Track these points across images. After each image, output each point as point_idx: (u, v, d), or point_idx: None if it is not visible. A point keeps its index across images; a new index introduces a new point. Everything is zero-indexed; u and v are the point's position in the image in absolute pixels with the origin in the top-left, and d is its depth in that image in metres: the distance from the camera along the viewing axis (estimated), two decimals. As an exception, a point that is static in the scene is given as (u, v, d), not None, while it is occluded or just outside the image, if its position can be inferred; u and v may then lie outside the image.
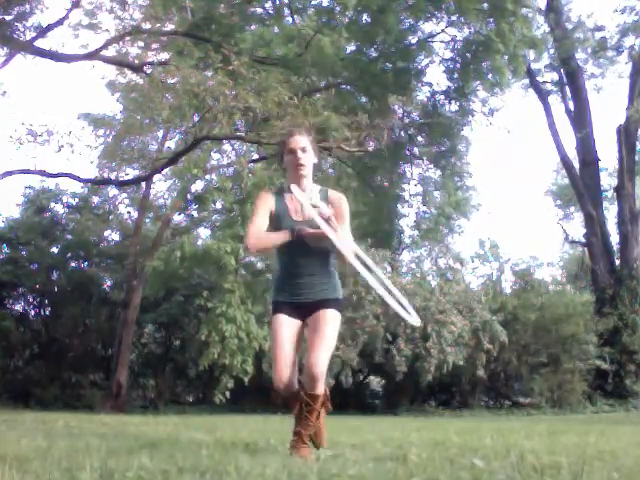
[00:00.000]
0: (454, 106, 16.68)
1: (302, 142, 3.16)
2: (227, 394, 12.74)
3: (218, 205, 15.18)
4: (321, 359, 2.95)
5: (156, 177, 16.01)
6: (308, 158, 3.17)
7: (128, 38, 12.48)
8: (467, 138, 18.05)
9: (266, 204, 3.17)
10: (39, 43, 11.89)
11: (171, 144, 16.71)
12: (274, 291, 3.28)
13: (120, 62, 13.03)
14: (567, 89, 20.11)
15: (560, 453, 2.90)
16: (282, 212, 3.16)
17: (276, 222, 3.15)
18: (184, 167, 13.19)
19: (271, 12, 15.41)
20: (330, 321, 3.07)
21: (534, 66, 19.77)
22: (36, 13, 11.44)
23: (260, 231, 3.08)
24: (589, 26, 19.69)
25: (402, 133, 16.94)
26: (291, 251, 3.12)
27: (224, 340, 12.31)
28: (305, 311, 3.14)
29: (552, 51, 19.09)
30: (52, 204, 18.43)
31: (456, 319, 14.14)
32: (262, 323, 13.14)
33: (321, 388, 3.00)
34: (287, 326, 3.11)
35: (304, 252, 3.09)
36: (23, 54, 11.82)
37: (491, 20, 14.56)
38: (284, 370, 3.02)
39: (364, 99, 15.76)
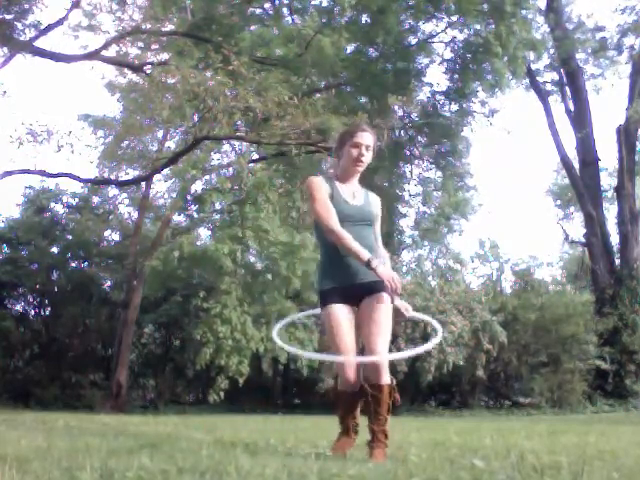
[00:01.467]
0: (454, 106, 16.68)
1: (369, 140, 3.11)
2: (222, 394, 12.78)
3: (218, 206, 15.18)
4: (382, 346, 2.89)
5: (156, 177, 16.01)
6: (368, 157, 3.13)
7: (128, 38, 12.48)
8: (467, 139, 18.04)
9: (323, 187, 3.07)
10: (39, 43, 11.91)
11: (171, 144, 16.72)
12: (322, 278, 3.10)
13: (120, 62, 13.02)
14: (567, 89, 20.11)
15: (560, 453, 2.90)
16: (336, 196, 3.08)
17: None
18: (184, 167, 13.19)
19: (270, 12, 15.42)
20: (383, 306, 2.97)
21: (534, 66, 19.78)
22: (34, 12, 11.42)
23: (335, 219, 2.95)
24: (589, 26, 19.71)
25: (402, 133, 16.94)
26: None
27: (219, 341, 12.34)
28: (357, 295, 3.02)
29: (552, 51, 19.09)
30: (52, 204, 18.43)
31: (456, 319, 14.16)
32: (259, 324, 13.15)
33: (387, 378, 2.92)
34: (344, 316, 2.99)
35: (354, 232, 2.97)
36: (23, 54, 11.81)
37: (491, 21, 14.56)
38: (352, 366, 2.97)
39: (364, 99, 15.76)
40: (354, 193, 3.14)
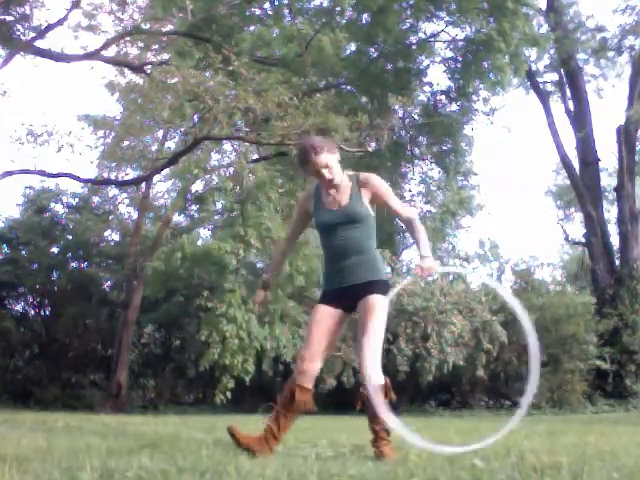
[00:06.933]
0: (454, 106, 16.66)
1: (323, 160, 3.17)
2: (228, 394, 12.73)
3: (218, 205, 15.19)
4: (368, 356, 3.05)
5: (156, 177, 16.00)
6: (330, 173, 3.20)
7: (128, 38, 12.48)
8: (469, 137, 18.00)
9: (302, 207, 3.43)
10: (39, 43, 11.89)
11: (171, 144, 16.72)
12: (323, 281, 3.41)
13: (120, 62, 13.02)
14: (567, 89, 20.10)
15: (560, 453, 2.90)
16: (317, 206, 3.28)
17: (313, 216, 3.32)
18: (184, 167, 13.18)
19: (270, 13, 15.40)
20: (374, 309, 3.07)
21: (534, 67, 19.77)
22: (34, 15, 11.41)
23: (279, 246, 3.51)
24: (589, 26, 19.68)
25: (403, 133, 16.92)
26: (326, 238, 3.24)
27: (224, 340, 12.31)
28: (351, 296, 3.16)
29: (552, 51, 19.08)
30: (52, 204, 18.41)
31: (456, 319, 14.16)
32: (263, 323, 13.15)
33: (380, 379, 3.12)
34: (325, 317, 3.17)
35: (338, 236, 3.17)
36: (23, 54, 11.80)
37: (492, 19, 14.53)
38: (310, 360, 3.10)
39: (364, 99, 15.75)
40: (339, 198, 3.22)
